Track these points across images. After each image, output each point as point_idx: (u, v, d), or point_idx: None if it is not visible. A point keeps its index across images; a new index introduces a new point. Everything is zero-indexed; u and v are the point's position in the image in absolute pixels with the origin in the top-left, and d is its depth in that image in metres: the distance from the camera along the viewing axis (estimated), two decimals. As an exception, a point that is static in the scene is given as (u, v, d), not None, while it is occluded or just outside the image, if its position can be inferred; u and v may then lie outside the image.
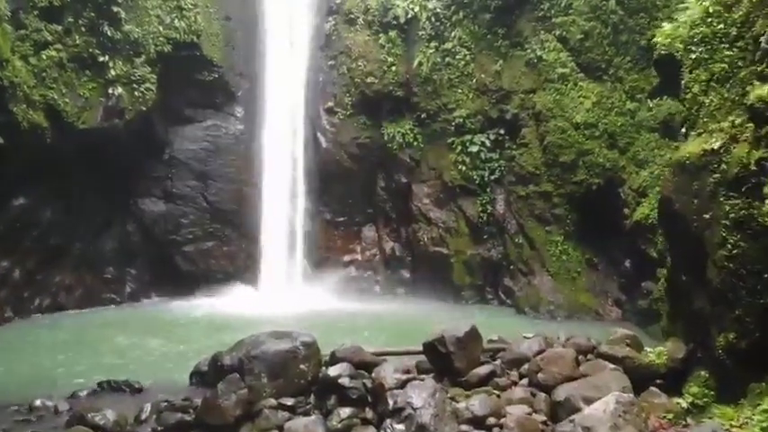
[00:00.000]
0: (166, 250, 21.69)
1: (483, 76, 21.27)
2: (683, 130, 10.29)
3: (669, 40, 10.64)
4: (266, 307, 19.69)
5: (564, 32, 19.61)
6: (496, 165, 21.11)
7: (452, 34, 21.39)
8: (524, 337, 10.71)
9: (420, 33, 21.66)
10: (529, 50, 20.31)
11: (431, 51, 21.52)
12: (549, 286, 19.07)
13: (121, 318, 18.00)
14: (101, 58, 18.70)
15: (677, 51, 10.59)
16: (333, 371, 9.23)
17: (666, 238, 11.24)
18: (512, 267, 20.19)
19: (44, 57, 17.43)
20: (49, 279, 18.89)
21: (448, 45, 21.42)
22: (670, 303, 11.22)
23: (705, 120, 9.75)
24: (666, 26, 10.94)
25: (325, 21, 23.18)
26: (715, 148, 9.19)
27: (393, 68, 22.24)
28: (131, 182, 21.16)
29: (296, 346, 9.53)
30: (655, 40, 11.25)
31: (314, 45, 23.21)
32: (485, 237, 21.07)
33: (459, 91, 21.49)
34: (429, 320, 17.81)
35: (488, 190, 21.15)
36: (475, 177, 21.15)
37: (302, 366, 9.40)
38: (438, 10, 21.37)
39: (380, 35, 22.33)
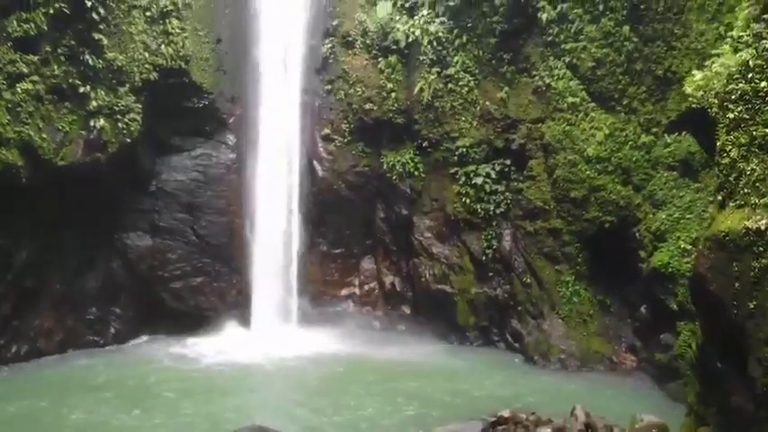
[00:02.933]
0: (153, 287, 20.48)
1: (488, 103, 20.09)
2: (720, 197, 9.06)
3: (701, 92, 9.47)
4: (259, 351, 18.65)
5: (574, 59, 18.42)
6: (502, 198, 19.92)
7: (455, 59, 20.20)
8: (541, 432, 9.53)
9: (421, 58, 20.45)
10: (537, 77, 19.14)
11: (433, 77, 20.33)
12: (560, 331, 17.90)
13: (100, 370, 16.61)
14: (81, 89, 17.49)
15: (711, 107, 9.39)
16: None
17: (699, 317, 10.05)
18: (519, 309, 19.01)
19: (19, 90, 16.23)
20: (27, 324, 17.72)
21: (451, 70, 20.23)
22: (700, 387, 10.04)
23: (746, 191, 8.58)
24: (697, 75, 9.77)
25: (321, 43, 21.97)
26: (761, 228, 8.02)
27: (393, 94, 21.07)
28: (115, 216, 19.96)
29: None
30: (685, 89, 10.08)
31: (310, 68, 22.00)
32: (490, 274, 19.88)
33: (463, 119, 20.31)
34: (435, 374, 16.63)
35: (494, 224, 19.96)
36: (479, 211, 19.96)
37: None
38: (440, 34, 20.16)
39: (380, 59, 21.15)
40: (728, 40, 9.91)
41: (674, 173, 16.43)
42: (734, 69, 9.04)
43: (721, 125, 9.14)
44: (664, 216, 16.09)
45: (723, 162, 9.05)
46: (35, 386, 15.14)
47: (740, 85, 8.88)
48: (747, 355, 8.25)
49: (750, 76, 8.79)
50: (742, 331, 8.32)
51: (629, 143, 17.60)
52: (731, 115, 8.95)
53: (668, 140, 16.70)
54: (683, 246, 15.10)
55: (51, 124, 17.00)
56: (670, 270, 15.21)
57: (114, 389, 14.85)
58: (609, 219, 17.77)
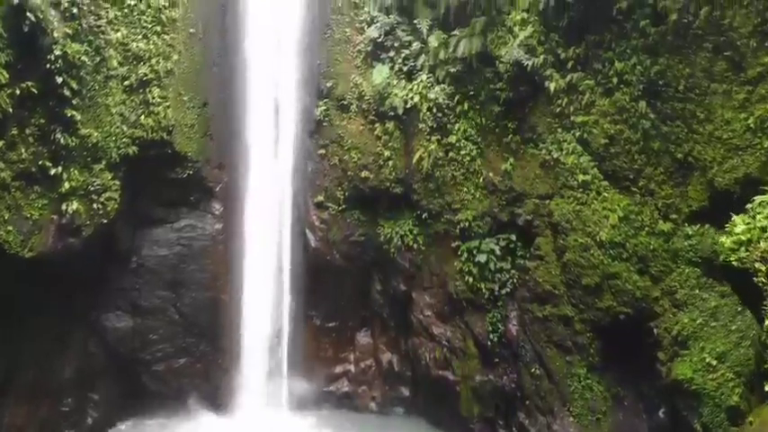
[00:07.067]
0: (134, 370, 19.31)
1: (491, 174, 18.71)
2: (767, 388, 7.66)
3: (743, 251, 8.09)
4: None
5: (585, 134, 16.99)
6: (508, 276, 18.50)
7: (456, 127, 18.82)
8: None
9: (420, 125, 19.08)
10: (544, 150, 17.71)
11: (432, 145, 18.95)
12: (571, 433, 16.49)
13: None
14: (52, 171, 16.16)
15: (756, 272, 7.99)
16: None
17: None
18: (527, 402, 17.58)
19: (-19, 182, 14.94)
20: (-6, 424, 16.48)
21: (452, 138, 18.85)
22: None
23: (803, 391, 7.18)
24: (738, 225, 8.38)
25: (315, 104, 20.60)
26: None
27: (390, 162, 19.70)
28: (92, 296, 18.71)
29: None
30: (722, 244, 8.70)
31: (302, 131, 20.65)
32: (496, 360, 18.45)
33: (465, 190, 18.93)
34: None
35: (499, 305, 18.53)
36: (484, 291, 18.54)
37: None
38: (440, 100, 18.77)
39: (376, 125, 19.79)
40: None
41: (697, 270, 14.96)
42: (784, 233, 7.64)
43: (770, 299, 7.76)
44: (686, 320, 14.62)
45: (772, 345, 7.67)
46: None
47: (793, 255, 7.49)
48: None
49: (805, 247, 7.41)
50: None
51: (646, 229, 16.13)
52: (782, 292, 7.57)
53: (689, 232, 15.23)
54: (707, 360, 13.67)
55: (18, 213, 15.67)
56: (694, 387, 13.77)
57: None
58: (624, 310, 16.28)
